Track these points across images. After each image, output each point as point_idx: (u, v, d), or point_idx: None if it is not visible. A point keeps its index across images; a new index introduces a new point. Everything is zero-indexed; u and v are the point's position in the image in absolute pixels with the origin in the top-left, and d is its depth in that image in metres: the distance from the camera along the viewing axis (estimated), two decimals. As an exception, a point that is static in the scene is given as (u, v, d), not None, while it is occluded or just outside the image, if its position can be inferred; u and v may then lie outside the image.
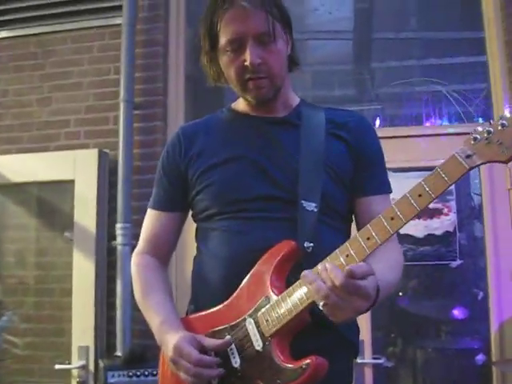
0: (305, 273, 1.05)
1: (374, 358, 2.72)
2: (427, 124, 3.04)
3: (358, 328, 1.39)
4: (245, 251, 1.25)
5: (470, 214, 2.91)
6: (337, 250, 1.09)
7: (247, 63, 1.26)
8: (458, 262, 2.79)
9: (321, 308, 1.04)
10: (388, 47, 3.02)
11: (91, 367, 2.75)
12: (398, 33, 3.15)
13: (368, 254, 1.06)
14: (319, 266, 1.04)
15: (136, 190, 2.91)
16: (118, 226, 2.87)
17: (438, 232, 2.79)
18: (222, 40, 1.30)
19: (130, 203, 2.88)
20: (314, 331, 1.20)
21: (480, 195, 2.81)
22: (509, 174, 2.77)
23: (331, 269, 1.01)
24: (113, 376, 2.53)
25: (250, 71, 1.28)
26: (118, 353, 2.76)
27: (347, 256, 1.07)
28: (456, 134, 2.76)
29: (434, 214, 2.79)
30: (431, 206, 2.89)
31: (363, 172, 1.35)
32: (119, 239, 2.86)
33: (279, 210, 1.28)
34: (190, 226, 1.49)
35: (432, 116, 3.02)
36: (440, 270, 2.83)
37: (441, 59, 2.98)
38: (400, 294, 2.94)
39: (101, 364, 2.60)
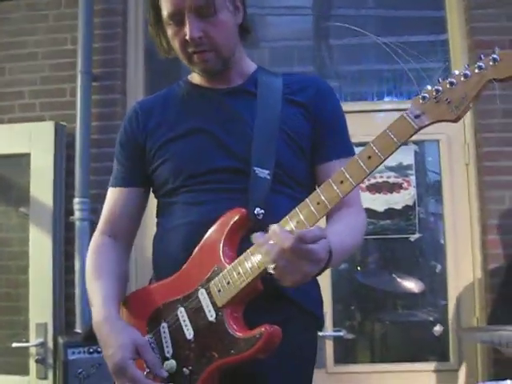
0: (255, 235, 1.05)
1: (335, 331, 2.76)
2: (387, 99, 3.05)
3: (322, 300, 1.39)
4: (200, 222, 1.26)
5: (429, 188, 2.93)
6: (287, 216, 1.09)
7: (187, 37, 1.25)
8: (417, 235, 2.81)
9: (270, 271, 1.03)
10: (348, 24, 3.01)
11: (50, 345, 2.71)
12: (358, 10, 3.15)
13: (318, 218, 1.06)
14: (270, 230, 1.03)
15: (94, 163, 2.86)
16: (76, 200, 2.83)
17: (398, 206, 2.81)
18: (164, 13, 1.29)
19: (88, 177, 2.83)
20: (271, 303, 1.21)
21: (439, 171, 2.84)
22: (467, 148, 2.80)
23: (280, 232, 1.00)
24: (73, 353, 2.51)
25: (192, 45, 1.27)
26: (78, 329, 2.74)
27: (297, 222, 1.07)
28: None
29: (394, 188, 2.80)
30: (391, 180, 2.96)
31: (323, 136, 1.33)
32: (77, 214, 2.82)
33: (233, 180, 1.28)
34: (150, 203, 1.48)
35: (392, 93, 3.03)
36: (399, 244, 2.85)
37: (401, 37, 2.99)
38: (358, 268, 2.97)
39: (60, 341, 2.58)
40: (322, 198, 1.05)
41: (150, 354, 1.19)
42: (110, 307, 1.26)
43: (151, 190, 1.44)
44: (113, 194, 1.44)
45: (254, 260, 1.12)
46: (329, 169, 1.31)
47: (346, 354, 2.87)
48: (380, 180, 2.79)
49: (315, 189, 1.33)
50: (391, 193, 2.80)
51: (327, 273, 2.65)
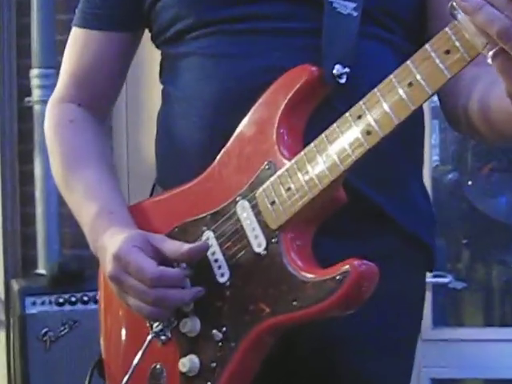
0: None
1: (436, 276, 2.78)
2: None
3: (435, 222, 1.41)
4: (238, 89, 1.25)
5: None
6: (391, 76, 1.06)
7: None
8: None
9: (489, 62, 0.97)
10: None
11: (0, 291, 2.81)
12: None
13: (448, 78, 1.01)
14: None
15: (62, 15, 2.85)
16: (35, 73, 2.85)
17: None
18: None
19: (52, 37, 2.85)
20: (359, 226, 1.23)
21: None
22: None
23: None
24: (34, 304, 2.54)
25: None
26: (41, 270, 2.79)
27: (410, 85, 1.04)
28: None
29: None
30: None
31: None
32: (36, 94, 2.84)
33: (295, 15, 1.25)
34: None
35: None
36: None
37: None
38: (469, 182, 3.04)
39: (15, 286, 2.63)
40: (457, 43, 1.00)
41: (176, 243, 1.23)
42: (118, 206, 1.33)
43: (150, 35, 1.43)
44: (82, 40, 1.45)
45: (342, 144, 1.10)
46: None
47: (451, 311, 2.94)
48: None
49: (425, 32, 1.34)
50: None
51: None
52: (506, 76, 0.97)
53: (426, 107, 1.26)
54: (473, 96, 1.26)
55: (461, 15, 0.97)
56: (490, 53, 0.95)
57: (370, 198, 1.21)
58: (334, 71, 1.18)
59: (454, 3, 0.97)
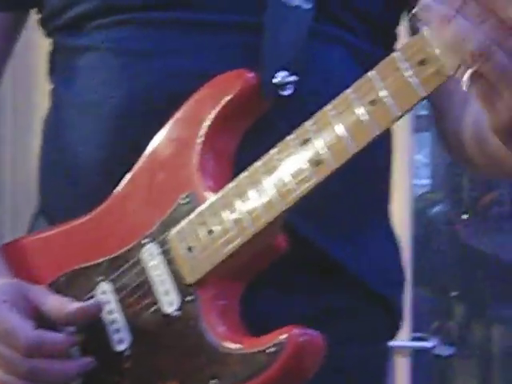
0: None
1: (417, 339, 2.82)
2: None
3: (404, 278, 1.41)
4: (151, 95, 1.24)
5: None
6: (350, 90, 1.05)
7: None
8: None
9: (464, 88, 0.94)
10: None
11: None
12: None
13: (422, 97, 0.99)
14: None
15: None
16: None
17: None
18: None
19: None
20: (303, 280, 1.23)
21: None
22: None
23: None
24: None
25: None
26: None
27: (372, 102, 1.02)
28: None
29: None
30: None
31: None
32: None
33: (231, 5, 1.25)
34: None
35: None
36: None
37: None
38: (464, 216, 3.16)
39: None
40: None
41: (61, 300, 1.21)
42: None
43: (39, 18, 1.42)
44: None
45: (281, 174, 1.09)
46: None
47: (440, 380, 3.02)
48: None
49: (396, 39, 1.40)
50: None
51: (404, 223, 2.77)
52: (486, 106, 0.93)
53: (409, 117, 1.26)
54: (466, 119, 1.27)
55: (426, 29, 0.96)
56: (465, 77, 0.92)
57: (318, 245, 1.19)
58: (277, 79, 1.17)
59: (417, 12, 0.94)
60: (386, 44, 1.33)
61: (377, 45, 1.30)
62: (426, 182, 3.24)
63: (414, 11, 0.92)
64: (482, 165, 1.24)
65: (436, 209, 3.10)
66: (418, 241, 2.81)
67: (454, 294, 3.04)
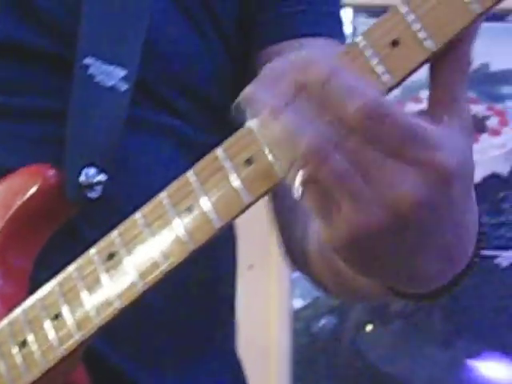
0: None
1: None
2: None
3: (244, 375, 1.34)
4: None
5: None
6: (163, 195, 0.96)
7: None
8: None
9: (295, 195, 0.83)
10: None
11: None
12: None
13: (247, 205, 0.91)
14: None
15: None
16: None
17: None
18: None
19: None
20: None
21: None
22: None
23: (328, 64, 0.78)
24: None
25: None
26: None
27: (189, 209, 0.95)
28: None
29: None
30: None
31: None
32: None
33: (32, 85, 1.20)
34: None
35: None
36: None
37: None
38: (367, 327, 3.10)
39: None
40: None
41: None
42: None
43: None
44: None
45: (77, 303, 1.00)
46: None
47: None
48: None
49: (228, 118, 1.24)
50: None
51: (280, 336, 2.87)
52: (321, 218, 0.83)
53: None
54: (312, 228, 1.16)
55: (254, 122, 0.87)
56: (296, 182, 0.81)
57: (128, 376, 1.10)
58: (82, 178, 1.09)
59: (240, 101, 0.85)
60: (223, 130, 1.20)
61: (210, 131, 1.25)
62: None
63: (236, 100, 0.85)
64: (330, 285, 1.17)
65: (320, 322, 3.08)
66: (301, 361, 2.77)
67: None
